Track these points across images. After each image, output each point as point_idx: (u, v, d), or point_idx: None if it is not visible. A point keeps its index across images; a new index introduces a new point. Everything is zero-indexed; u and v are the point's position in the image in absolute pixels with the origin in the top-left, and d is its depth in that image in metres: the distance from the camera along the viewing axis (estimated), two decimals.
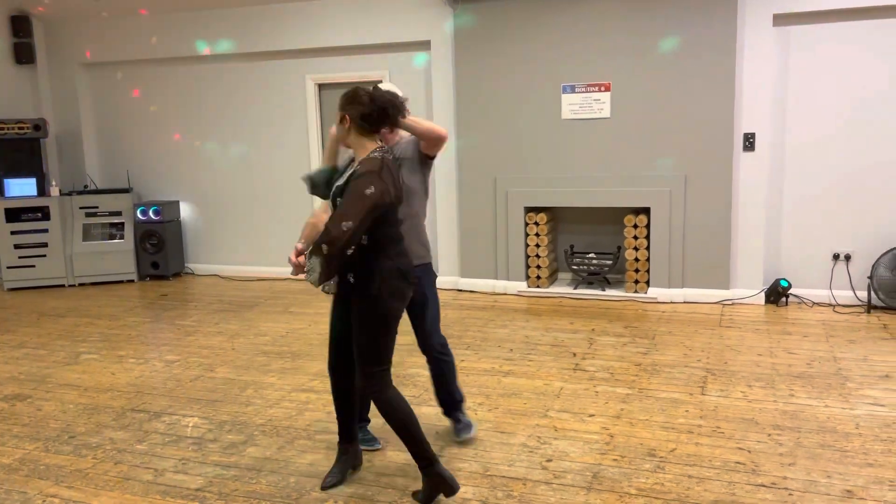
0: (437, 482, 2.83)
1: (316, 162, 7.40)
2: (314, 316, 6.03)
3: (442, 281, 6.98)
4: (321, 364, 4.70)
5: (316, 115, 7.38)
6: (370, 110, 2.75)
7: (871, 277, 5.69)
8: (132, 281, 7.75)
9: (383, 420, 2.87)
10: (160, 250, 7.71)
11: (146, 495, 3.03)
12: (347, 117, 2.80)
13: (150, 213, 7.68)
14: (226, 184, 7.83)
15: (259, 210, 7.71)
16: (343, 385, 3.06)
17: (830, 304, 5.92)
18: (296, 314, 6.10)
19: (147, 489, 3.08)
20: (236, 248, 7.90)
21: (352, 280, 2.81)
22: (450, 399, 3.46)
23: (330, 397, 4.10)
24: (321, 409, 3.92)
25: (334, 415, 3.83)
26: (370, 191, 2.64)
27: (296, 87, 7.40)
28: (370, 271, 2.78)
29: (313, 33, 7.12)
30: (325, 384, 4.31)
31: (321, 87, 7.38)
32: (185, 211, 8.07)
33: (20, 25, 7.78)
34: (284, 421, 3.78)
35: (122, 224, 7.71)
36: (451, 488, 2.84)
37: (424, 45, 6.83)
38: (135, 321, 6.03)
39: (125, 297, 6.98)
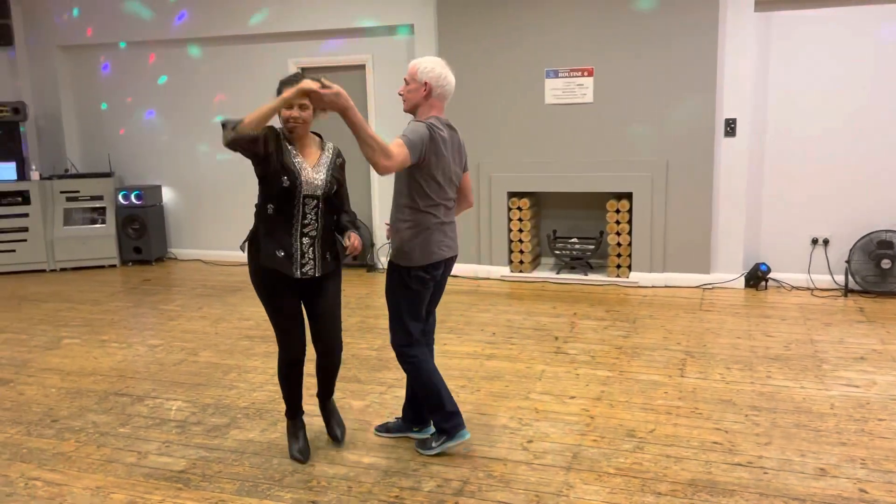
0: None
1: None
2: None
3: None
4: None
5: None
6: None
7: (848, 262, 5.77)
8: (114, 266, 7.70)
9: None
10: (142, 235, 7.66)
11: (129, 477, 3.04)
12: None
13: (133, 198, 7.63)
14: (209, 169, 7.78)
15: (242, 195, 7.66)
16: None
17: (808, 288, 6.01)
18: None
19: (130, 471, 3.09)
20: (219, 233, 7.87)
21: None
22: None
23: (311, 379, 4.11)
24: (304, 392, 3.93)
25: (316, 398, 3.86)
26: None
27: (278, 71, 7.34)
28: None
29: (296, 16, 7.07)
30: (308, 368, 4.32)
31: (304, 70, 7.33)
32: (168, 195, 8.02)
33: None
34: (267, 404, 3.79)
35: (104, 209, 7.65)
36: None
37: (408, 30, 6.80)
38: (117, 306, 6.00)
39: (107, 282, 6.94)
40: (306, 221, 2.93)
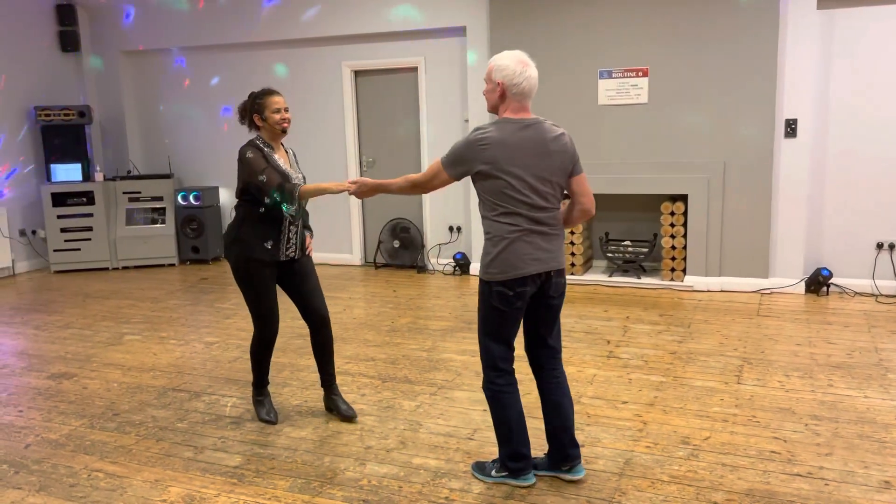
0: None
1: (352, 149, 7.47)
2: (348, 301, 6.10)
3: (476, 269, 7.00)
4: (356, 347, 4.76)
5: (352, 101, 7.43)
6: None
7: None
8: (173, 265, 7.92)
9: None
10: (200, 235, 7.87)
11: (186, 471, 3.12)
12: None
13: (191, 199, 7.83)
14: None
15: None
16: None
17: (873, 294, 5.79)
18: (332, 299, 6.18)
19: (187, 465, 3.18)
20: None
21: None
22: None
23: (362, 379, 4.16)
24: (355, 391, 3.98)
25: (367, 397, 3.90)
26: None
27: (332, 74, 7.45)
28: None
29: (350, 20, 7.16)
30: (359, 367, 4.37)
31: (357, 73, 7.42)
32: (225, 196, 8.21)
33: (65, 14, 7.97)
34: (320, 403, 3.84)
35: (164, 209, 7.88)
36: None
37: (460, 31, 6.81)
38: (176, 304, 6.18)
39: (166, 281, 7.14)
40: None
